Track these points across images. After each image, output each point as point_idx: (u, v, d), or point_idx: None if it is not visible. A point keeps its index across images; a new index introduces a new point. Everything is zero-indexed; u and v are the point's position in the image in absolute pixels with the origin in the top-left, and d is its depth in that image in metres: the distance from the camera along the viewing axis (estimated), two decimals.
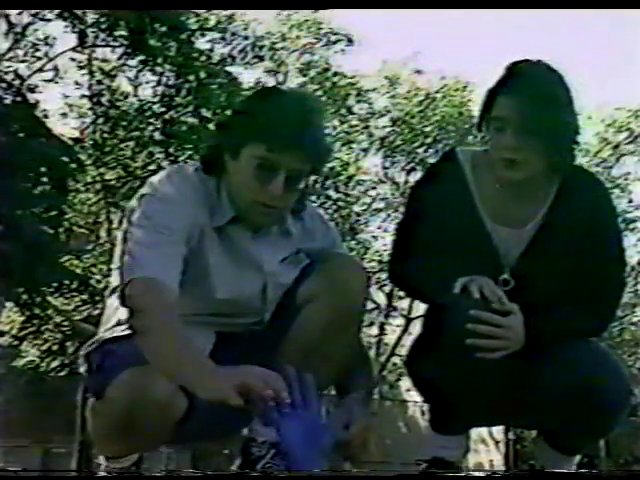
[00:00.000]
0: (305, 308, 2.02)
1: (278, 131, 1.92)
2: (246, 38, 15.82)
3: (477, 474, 2.31)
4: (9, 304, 12.02)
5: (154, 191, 1.96)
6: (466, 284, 2.06)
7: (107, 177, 14.76)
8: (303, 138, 1.95)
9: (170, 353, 1.77)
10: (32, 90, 10.82)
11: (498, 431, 19.08)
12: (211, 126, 13.11)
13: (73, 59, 13.78)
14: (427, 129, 18.81)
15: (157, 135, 13.73)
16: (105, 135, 14.37)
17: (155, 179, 2.01)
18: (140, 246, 1.87)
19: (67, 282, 12.42)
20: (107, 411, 1.82)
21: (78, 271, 14.28)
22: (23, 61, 13.06)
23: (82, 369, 2.03)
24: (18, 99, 10.30)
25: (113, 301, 2.01)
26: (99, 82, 14.28)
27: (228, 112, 2.32)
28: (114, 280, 2.02)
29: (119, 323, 2.00)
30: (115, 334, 2.00)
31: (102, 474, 1.95)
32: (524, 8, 3.36)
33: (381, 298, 20.17)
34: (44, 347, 16.69)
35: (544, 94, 2.10)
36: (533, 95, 2.09)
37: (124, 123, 14.12)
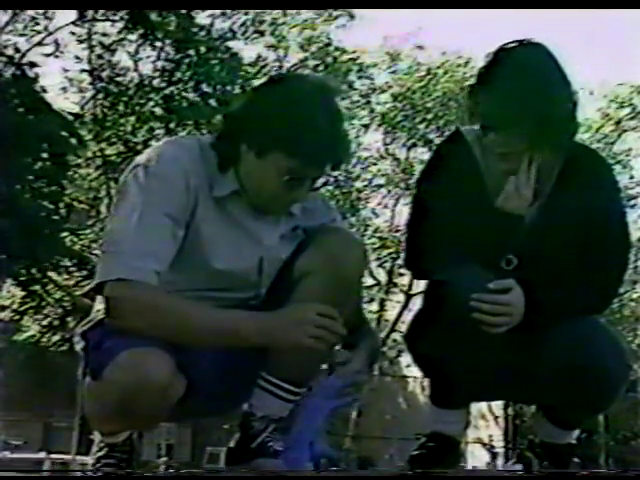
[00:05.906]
0: (301, 282, 1.98)
1: (312, 148, 1.87)
2: (246, 13, 15.72)
3: (476, 474, 2.30)
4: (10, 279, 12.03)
5: (148, 163, 1.90)
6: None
7: (107, 152, 14.73)
8: (335, 153, 1.95)
9: (199, 326, 1.81)
10: (32, 64, 10.76)
11: (497, 406, 19.19)
12: (212, 102, 13.06)
13: (73, 33, 13.72)
14: (428, 105, 18.74)
15: (158, 110, 13.68)
16: (105, 110, 14.32)
17: (149, 150, 1.97)
18: (129, 225, 1.84)
19: (67, 258, 12.42)
20: (104, 392, 1.79)
21: (78, 247, 14.30)
22: (22, 35, 13.00)
23: (78, 347, 1.99)
24: (17, 73, 10.26)
25: None
26: (99, 56, 14.21)
27: (241, 97, 2.18)
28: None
29: None
30: None
31: (103, 473, 1.93)
32: (524, 8, 3.33)
33: (381, 275, 20.22)
34: (45, 322, 16.74)
35: (523, 84, 2.06)
36: (511, 88, 2.06)
37: (124, 98, 14.06)
